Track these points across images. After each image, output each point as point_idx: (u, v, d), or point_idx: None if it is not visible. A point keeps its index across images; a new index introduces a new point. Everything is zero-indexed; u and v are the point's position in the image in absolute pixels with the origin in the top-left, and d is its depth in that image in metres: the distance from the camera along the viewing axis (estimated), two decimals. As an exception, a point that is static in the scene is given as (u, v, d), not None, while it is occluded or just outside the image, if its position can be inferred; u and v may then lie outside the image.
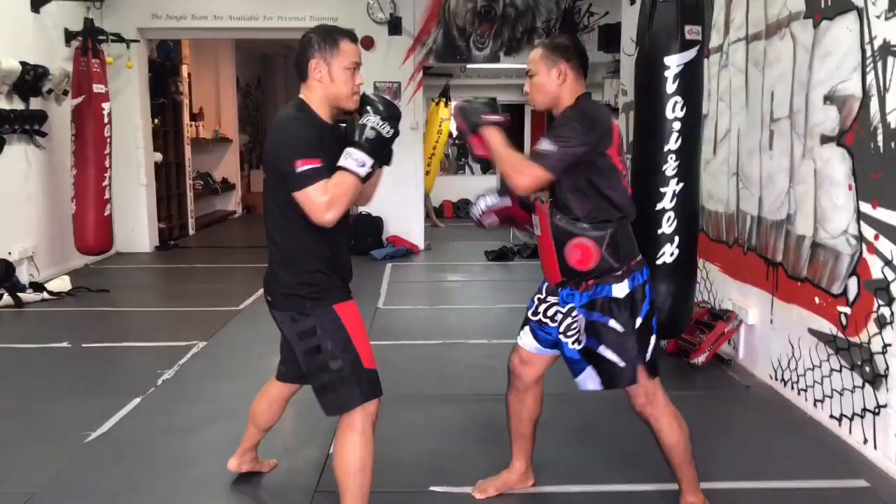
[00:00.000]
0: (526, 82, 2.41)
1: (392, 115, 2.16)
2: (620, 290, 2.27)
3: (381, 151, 2.14)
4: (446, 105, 10.73)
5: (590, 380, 2.35)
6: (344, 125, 2.26)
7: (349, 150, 2.08)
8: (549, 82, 2.33)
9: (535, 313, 2.47)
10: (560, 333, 2.38)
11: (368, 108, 2.16)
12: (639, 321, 2.29)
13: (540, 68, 2.34)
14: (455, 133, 12.45)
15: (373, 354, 2.23)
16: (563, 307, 2.36)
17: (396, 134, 2.17)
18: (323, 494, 2.62)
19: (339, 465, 2.18)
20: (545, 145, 2.21)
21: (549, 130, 2.28)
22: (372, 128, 2.10)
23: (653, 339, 2.34)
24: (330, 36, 2.19)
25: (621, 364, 2.28)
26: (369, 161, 2.08)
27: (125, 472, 2.81)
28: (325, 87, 2.19)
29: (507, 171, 2.24)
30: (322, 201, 2.03)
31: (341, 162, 2.07)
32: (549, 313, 2.43)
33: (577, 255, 2.27)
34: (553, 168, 2.20)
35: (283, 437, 3.09)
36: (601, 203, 2.27)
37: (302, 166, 2.03)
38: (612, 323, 2.27)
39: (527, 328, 2.51)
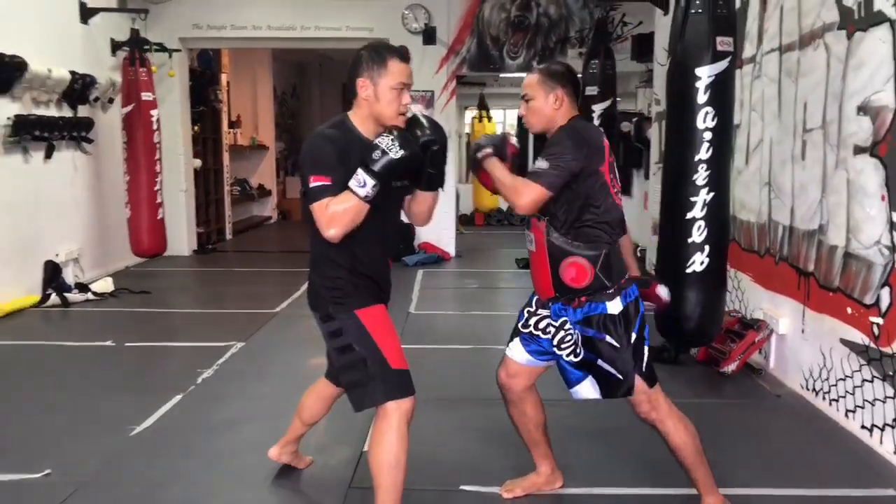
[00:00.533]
0: (522, 106, 2.49)
1: (432, 139, 2.19)
2: (614, 307, 2.34)
3: (390, 172, 2.11)
4: (489, 119, 10.86)
5: (587, 390, 2.41)
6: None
7: (358, 170, 2.11)
8: (546, 106, 2.41)
9: (526, 325, 2.54)
10: (554, 346, 2.44)
11: (414, 129, 2.20)
12: (633, 336, 2.35)
13: (537, 93, 2.42)
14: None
15: (402, 355, 2.29)
16: (556, 321, 2.43)
17: (408, 156, 2.12)
18: (356, 490, 2.71)
19: (373, 460, 2.25)
20: (539, 164, 2.30)
21: (542, 151, 2.37)
22: (380, 149, 2.10)
23: (647, 349, 2.40)
24: (379, 55, 2.21)
25: (619, 377, 2.35)
26: (371, 182, 2.08)
27: (168, 465, 2.93)
28: (370, 106, 2.22)
29: (508, 193, 2.35)
30: (325, 218, 2.11)
31: (350, 182, 2.11)
32: (541, 326, 2.49)
33: (571, 273, 2.33)
34: (550, 185, 2.27)
35: (318, 435, 3.18)
36: (595, 222, 2.34)
37: (313, 182, 2.13)
38: (609, 339, 2.34)
39: (517, 340, 2.57)
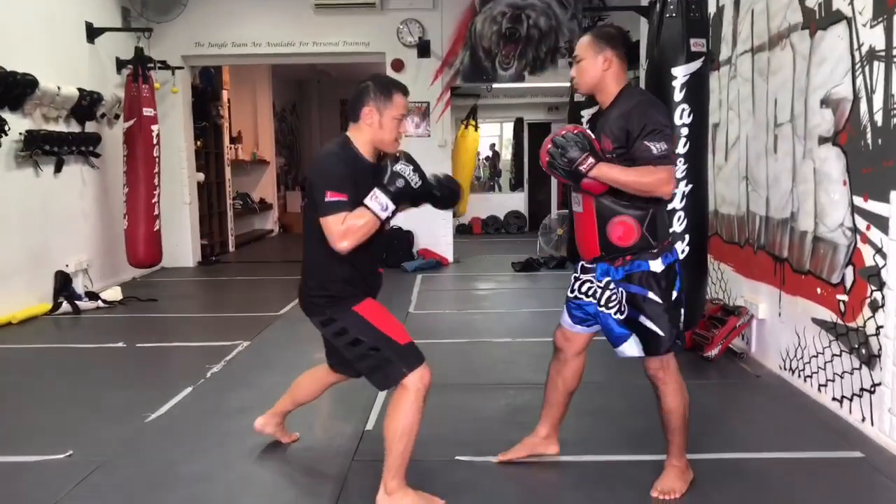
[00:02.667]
0: (574, 67, 2.59)
1: (449, 196, 2.57)
2: (657, 265, 2.47)
3: (405, 198, 2.41)
4: (476, 128, 11.07)
5: (631, 348, 2.53)
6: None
7: (378, 192, 2.36)
8: (595, 67, 2.51)
9: (572, 290, 2.67)
10: (601, 307, 2.57)
11: (433, 191, 2.52)
12: (674, 294, 2.50)
13: (587, 54, 2.53)
14: (488, 154, 12.78)
15: (405, 330, 2.51)
16: (601, 280, 2.55)
17: (423, 187, 2.42)
18: (359, 463, 2.90)
19: (388, 426, 2.44)
20: (662, 144, 2.35)
21: (633, 126, 2.38)
22: (402, 177, 2.36)
23: (683, 311, 2.54)
24: (386, 88, 2.47)
25: (661, 333, 2.47)
26: (392, 206, 2.37)
27: (183, 445, 3.13)
28: (373, 132, 2.46)
29: (648, 188, 2.37)
30: (339, 231, 2.32)
31: (367, 201, 2.35)
32: (584, 289, 2.62)
33: (619, 231, 2.45)
34: (674, 159, 2.40)
35: (322, 414, 3.39)
36: None
37: (330, 197, 2.33)
38: (652, 295, 2.46)
39: (566, 308, 2.73)
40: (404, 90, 2.52)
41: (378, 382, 2.52)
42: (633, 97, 2.50)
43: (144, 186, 6.70)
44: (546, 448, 2.86)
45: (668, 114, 2.48)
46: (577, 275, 2.69)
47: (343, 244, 2.33)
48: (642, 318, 2.48)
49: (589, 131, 2.51)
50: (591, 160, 2.40)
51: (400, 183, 2.37)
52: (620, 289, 2.50)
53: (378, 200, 2.35)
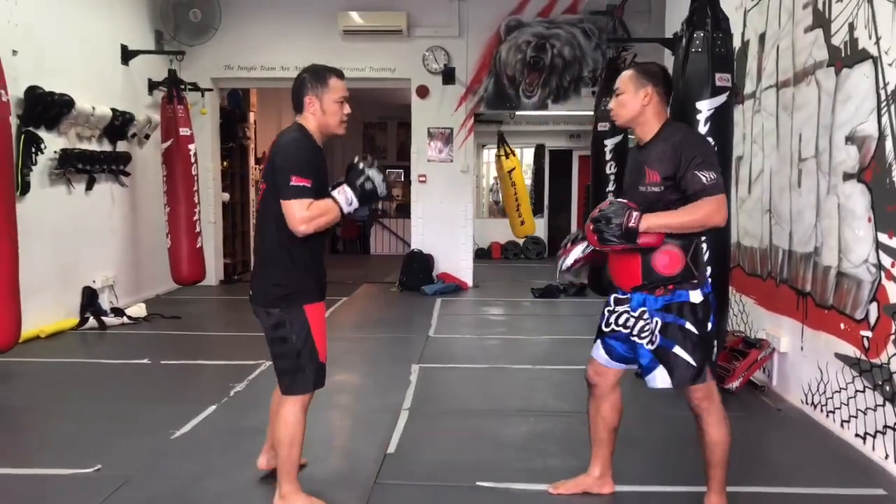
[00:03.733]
0: (613, 100, 2.64)
1: (376, 195, 2.62)
2: (696, 296, 2.49)
3: (370, 200, 2.57)
4: (509, 155, 11.20)
5: (660, 379, 2.53)
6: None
7: (346, 188, 2.52)
8: (635, 101, 2.56)
9: (608, 324, 2.67)
10: (634, 336, 2.57)
11: (365, 183, 2.59)
12: (709, 325, 2.52)
13: (627, 88, 2.58)
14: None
15: (327, 350, 2.65)
16: (635, 311, 2.56)
17: (387, 193, 2.62)
18: (381, 486, 2.93)
19: (281, 434, 2.62)
20: (708, 174, 2.39)
21: (681, 159, 2.42)
22: (372, 185, 2.55)
23: (716, 343, 2.57)
24: (320, 75, 2.62)
25: (693, 364, 2.48)
26: (356, 204, 2.53)
27: (206, 463, 3.18)
28: (317, 119, 2.61)
29: (702, 222, 2.41)
30: (302, 215, 2.45)
31: (335, 193, 2.51)
32: (620, 321, 2.62)
33: (664, 260, 2.47)
34: (722, 187, 2.44)
35: (343, 438, 3.42)
36: None
37: (295, 181, 2.45)
38: (689, 325, 2.48)
39: (598, 342, 2.72)
40: (339, 74, 2.65)
41: (285, 386, 2.65)
42: (679, 131, 2.57)
43: (185, 204, 6.85)
44: (601, 488, 2.83)
45: (712, 146, 2.52)
46: (610, 308, 2.67)
47: (302, 227, 2.47)
48: (676, 349, 2.48)
49: (620, 199, 2.54)
50: (635, 214, 2.43)
51: (369, 185, 2.54)
52: (656, 318, 2.51)
53: (345, 195, 2.51)
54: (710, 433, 2.54)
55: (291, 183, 2.46)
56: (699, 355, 2.49)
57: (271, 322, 2.61)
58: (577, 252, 2.73)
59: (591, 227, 2.50)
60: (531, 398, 4.18)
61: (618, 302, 2.65)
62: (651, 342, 2.53)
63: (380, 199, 2.62)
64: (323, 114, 2.60)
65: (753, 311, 4.64)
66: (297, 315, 2.57)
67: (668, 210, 2.45)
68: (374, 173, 2.55)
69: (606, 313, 2.69)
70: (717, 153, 2.48)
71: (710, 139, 3.76)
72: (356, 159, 2.64)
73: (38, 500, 2.84)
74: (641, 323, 2.55)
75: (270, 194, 2.56)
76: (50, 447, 3.38)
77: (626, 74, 2.62)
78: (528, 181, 13.61)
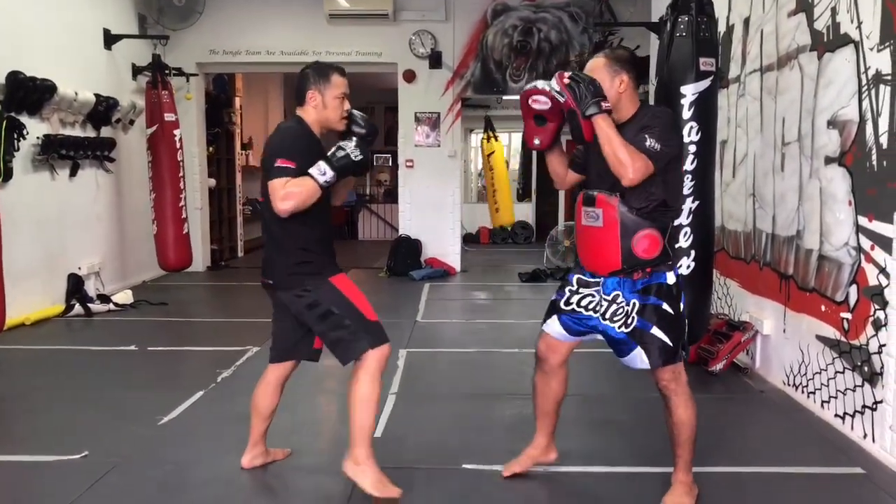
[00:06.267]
0: None
1: (370, 132, 2.73)
2: (671, 277, 2.55)
3: (347, 169, 2.59)
4: (496, 139, 11.18)
5: (638, 359, 2.57)
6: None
7: (320, 162, 2.58)
8: (612, 90, 2.53)
9: (568, 303, 2.69)
10: (605, 320, 2.60)
11: (352, 126, 2.72)
12: (681, 306, 2.57)
13: (603, 76, 2.55)
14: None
15: (373, 309, 2.68)
16: (608, 295, 2.58)
17: (364, 159, 2.61)
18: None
19: (351, 399, 2.62)
20: (654, 144, 2.41)
21: (644, 129, 2.45)
22: (345, 152, 2.58)
23: (686, 322, 2.61)
24: (324, 71, 2.72)
25: (670, 343, 2.52)
26: (331, 173, 2.55)
27: (194, 449, 3.19)
28: (318, 112, 2.71)
29: (620, 161, 2.39)
30: (281, 193, 2.51)
31: (310, 169, 2.56)
32: (584, 303, 2.65)
33: (644, 244, 2.50)
34: (658, 165, 2.44)
35: (332, 423, 3.45)
36: (667, 200, 2.54)
37: (279, 163, 2.54)
38: (665, 306, 2.52)
39: (554, 317, 2.74)
40: (341, 71, 2.75)
41: (342, 355, 2.66)
42: (656, 112, 2.60)
43: (171, 190, 6.83)
44: (547, 457, 2.91)
45: (679, 131, 2.54)
46: (572, 287, 2.70)
47: (284, 205, 2.51)
48: (654, 329, 2.52)
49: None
50: (607, 105, 2.45)
51: (341, 153, 2.58)
52: (633, 300, 2.54)
53: (319, 167, 2.55)
54: (678, 413, 2.59)
55: (275, 165, 2.54)
56: (675, 335, 2.54)
57: (306, 303, 2.65)
58: (543, 84, 2.62)
59: (569, 78, 2.47)
60: (518, 382, 4.19)
61: (582, 284, 2.67)
62: (625, 325, 2.56)
63: (357, 167, 2.62)
64: (324, 108, 2.70)
65: (737, 294, 4.69)
66: (327, 288, 2.64)
67: (643, 191, 2.48)
68: (345, 143, 2.60)
69: (567, 292, 2.70)
70: (676, 136, 2.48)
71: (694, 123, 3.80)
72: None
73: (24, 486, 2.85)
74: (614, 307, 2.58)
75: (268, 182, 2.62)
76: (36, 434, 3.38)
77: (600, 62, 2.59)
78: (516, 166, 13.62)
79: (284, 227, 2.63)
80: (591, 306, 2.64)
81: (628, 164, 2.39)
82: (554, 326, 2.76)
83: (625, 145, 2.41)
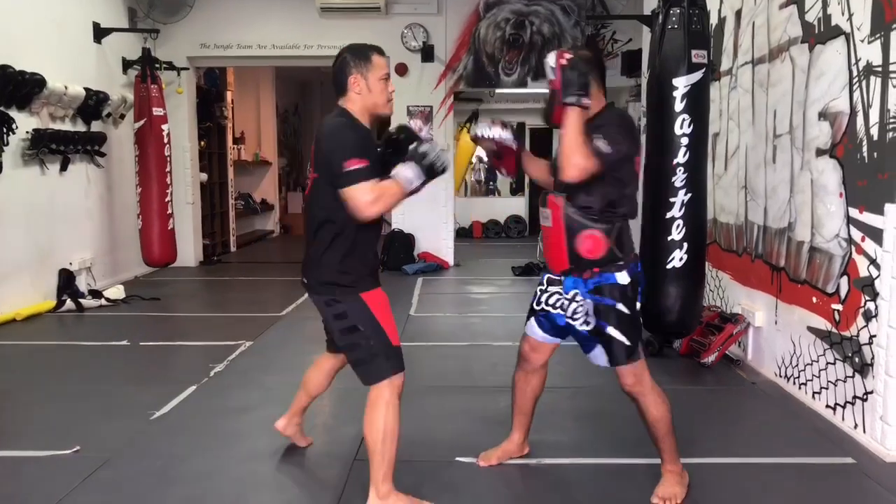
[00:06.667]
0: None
1: (426, 137, 2.54)
2: (623, 277, 2.56)
3: (431, 178, 2.47)
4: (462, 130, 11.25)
5: (599, 357, 2.62)
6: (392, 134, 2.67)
7: (409, 165, 2.42)
8: None
9: (539, 303, 2.75)
10: (568, 318, 2.65)
11: (403, 133, 2.59)
12: (638, 305, 2.59)
13: None
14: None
15: (398, 334, 2.56)
16: (567, 293, 2.63)
17: (445, 170, 2.49)
18: (361, 462, 2.96)
19: (368, 430, 2.50)
20: (603, 146, 2.43)
21: (597, 129, 2.47)
22: (432, 158, 2.44)
23: (640, 321, 2.64)
24: (363, 52, 2.52)
25: (627, 342, 2.55)
26: (418, 182, 2.43)
27: (187, 443, 3.18)
28: (364, 98, 2.50)
29: (566, 154, 2.42)
30: (367, 199, 2.33)
31: (398, 171, 2.42)
32: (551, 301, 2.70)
33: (587, 244, 2.53)
34: (602, 165, 2.45)
35: (324, 415, 3.45)
36: (615, 201, 2.55)
37: (350, 166, 2.33)
38: (619, 306, 2.54)
39: (532, 319, 2.80)
40: (380, 50, 2.58)
41: (363, 376, 2.54)
42: (613, 115, 2.61)
43: (157, 185, 6.76)
44: (521, 451, 3.00)
45: (632, 135, 2.55)
46: (542, 287, 2.75)
47: (369, 211, 2.35)
48: (609, 329, 2.55)
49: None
50: (586, 102, 2.45)
51: (432, 160, 2.44)
52: (589, 300, 2.57)
53: (407, 173, 2.40)
54: (650, 412, 2.61)
55: (348, 168, 2.33)
56: (632, 334, 2.56)
57: (334, 313, 2.52)
58: (503, 134, 2.78)
59: (568, 59, 2.47)
60: (511, 375, 4.20)
61: (550, 282, 2.71)
62: (586, 322, 2.59)
63: (442, 174, 2.49)
64: (370, 92, 2.50)
65: (729, 286, 4.70)
66: (357, 304, 2.48)
67: (589, 192, 2.50)
68: (436, 150, 2.46)
69: (538, 292, 2.76)
70: (628, 142, 2.50)
71: (686, 115, 3.79)
72: (400, 135, 2.63)
73: (16, 481, 2.83)
74: (574, 305, 2.61)
75: (321, 183, 2.47)
76: (28, 429, 3.36)
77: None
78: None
79: (336, 233, 2.46)
80: (557, 304, 2.69)
81: (570, 158, 2.42)
82: (534, 329, 2.81)
83: (579, 143, 2.42)
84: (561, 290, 2.66)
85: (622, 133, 2.52)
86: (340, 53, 2.55)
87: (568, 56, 2.48)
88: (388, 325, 2.52)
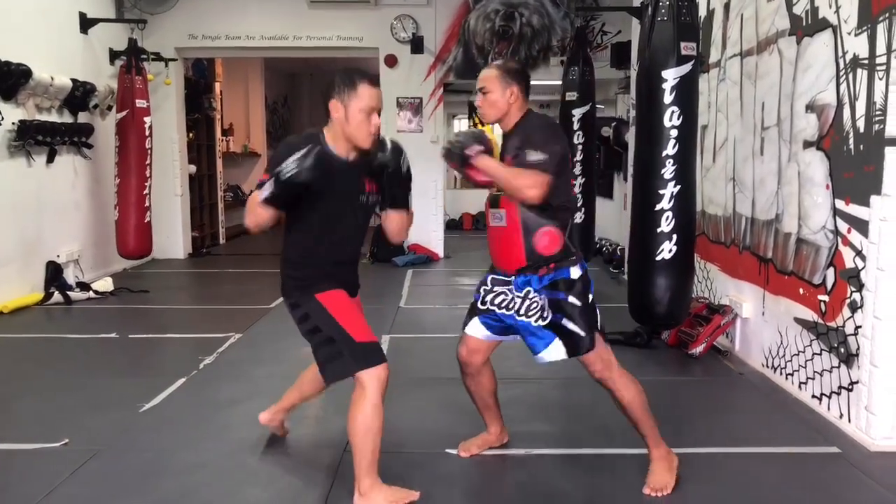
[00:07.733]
0: (478, 97, 2.72)
1: (384, 161, 2.44)
2: (576, 272, 2.63)
3: (285, 186, 2.25)
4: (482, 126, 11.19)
5: (555, 351, 2.63)
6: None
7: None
8: (503, 100, 2.65)
9: (483, 303, 2.78)
10: (520, 316, 2.67)
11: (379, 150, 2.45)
12: (590, 297, 2.64)
13: (495, 87, 2.66)
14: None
15: (367, 329, 2.52)
16: (520, 291, 2.66)
17: (300, 179, 2.23)
18: (351, 453, 2.95)
19: (349, 426, 2.49)
20: (535, 156, 2.51)
21: (523, 142, 2.55)
22: (287, 166, 2.23)
23: (597, 310, 2.68)
24: (350, 78, 2.38)
25: (582, 333, 2.60)
26: (268, 189, 2.26)
27: (176, 436, 3.18)
28: (342, 127, 2.40)
29: (516, 186, 2.51)
30: (247, 205, 2.40)
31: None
32: (497, 301, 2.73)
33: (545, 241, 2.60)
34: (551, 172, 2.52)
35: (315, 406, 3.45)
36: (565, 198, 2.64)
37: (262, 178, 2.34)
38: (572, 299, 2.60)
39: (475, 319, 2.81)
40: (372, 80, 2.41)
41: (327, 375, 2.54)
42: (533, 121, 2.67)
43: (136, 178, 6.71)
44: (501, 440, 3.05)
45: (560, 136, 2.62)
46: (487, 287, 2.77)
47: (246, 220, 2.39)
48: (566, 321, 2.59)
49: (490, 134, 2.68)
50: (478, 148, 2.57)
51: (280, 167, 2.25)
52: (544, 295, 2.61)
53: (266, 182, 2.31)
54: (622, 396, 2.65)
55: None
56: (586, 324, 2.60)
57: (296, 316, 2.55)
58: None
59: (445, 146, 2.65)
60: (501, 366, 4.15)
61: (496, 282, 2.74)
62: (542, 318, 2.62)
63: (294, 184, 2.27)
64: (347, 122, 2.38)
65: (717, 277, 4.73)
66: (314, 304, 2.49)
67: (553, 186, 2.54)
68: (290, 159, 2.25)
69: (483, 292, 2.78)
70: (559, 143, 2.58)
71: (675, 108, 3.80)
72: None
73: (5, 474, 2.82)
74: (528, 302, 2.65)
75: None
76: (16, 422, 3.35)
77: (492, 74, 2.68)
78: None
79: (286, 235, 2.54)
80: (504, 304, 2.72)
81: (525, 187, 2.49)
82: (475, 327, 2.83)
83: (513, 173, 2.52)
84: (508, 290, 2.69)
85: (547, 134, 2.59)
86: (335, 75, 2.46)
87: (443, 147, 2.67)
88: (349, 323, 2.49)
